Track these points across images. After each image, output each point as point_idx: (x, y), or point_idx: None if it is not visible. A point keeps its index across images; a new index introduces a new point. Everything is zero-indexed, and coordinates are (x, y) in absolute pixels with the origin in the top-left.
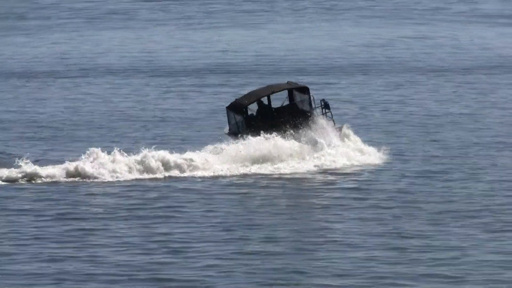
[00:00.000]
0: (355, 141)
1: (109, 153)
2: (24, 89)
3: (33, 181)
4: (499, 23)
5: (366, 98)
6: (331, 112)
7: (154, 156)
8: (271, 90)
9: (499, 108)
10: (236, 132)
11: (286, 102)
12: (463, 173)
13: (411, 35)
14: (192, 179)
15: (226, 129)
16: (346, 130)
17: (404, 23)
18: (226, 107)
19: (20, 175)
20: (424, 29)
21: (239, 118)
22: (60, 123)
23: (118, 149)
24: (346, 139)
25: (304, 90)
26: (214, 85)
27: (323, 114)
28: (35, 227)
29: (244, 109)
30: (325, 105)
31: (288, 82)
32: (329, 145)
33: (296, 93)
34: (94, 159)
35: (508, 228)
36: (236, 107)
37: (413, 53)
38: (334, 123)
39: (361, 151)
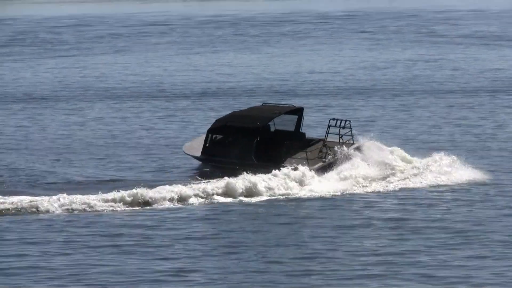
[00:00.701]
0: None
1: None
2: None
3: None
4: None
5: (375, 118)
6: (351, 130)
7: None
8: (277, 110)
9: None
10: (213, 154)
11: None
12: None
13: (412, 58)
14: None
15: (189, 149)
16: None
17: (406, 46)
18: (210, 129)
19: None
20: (425, 52)
21: (244, 141)
22: (59, 147)
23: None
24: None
25: (296, 111)
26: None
27: (328, 133)
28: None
29: (256, 132)
30: (343, 124)
31: (263, 104)
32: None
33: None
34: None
35: None
36: (245, 130)
37: (414, 74)
38: (353, 142)
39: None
